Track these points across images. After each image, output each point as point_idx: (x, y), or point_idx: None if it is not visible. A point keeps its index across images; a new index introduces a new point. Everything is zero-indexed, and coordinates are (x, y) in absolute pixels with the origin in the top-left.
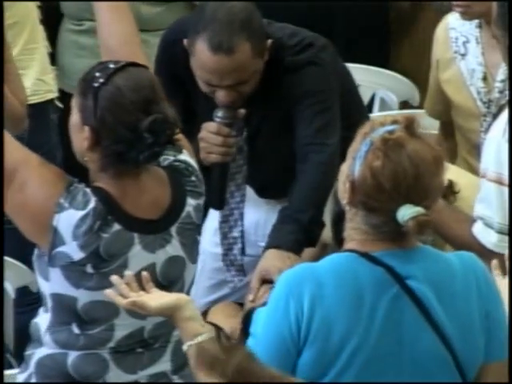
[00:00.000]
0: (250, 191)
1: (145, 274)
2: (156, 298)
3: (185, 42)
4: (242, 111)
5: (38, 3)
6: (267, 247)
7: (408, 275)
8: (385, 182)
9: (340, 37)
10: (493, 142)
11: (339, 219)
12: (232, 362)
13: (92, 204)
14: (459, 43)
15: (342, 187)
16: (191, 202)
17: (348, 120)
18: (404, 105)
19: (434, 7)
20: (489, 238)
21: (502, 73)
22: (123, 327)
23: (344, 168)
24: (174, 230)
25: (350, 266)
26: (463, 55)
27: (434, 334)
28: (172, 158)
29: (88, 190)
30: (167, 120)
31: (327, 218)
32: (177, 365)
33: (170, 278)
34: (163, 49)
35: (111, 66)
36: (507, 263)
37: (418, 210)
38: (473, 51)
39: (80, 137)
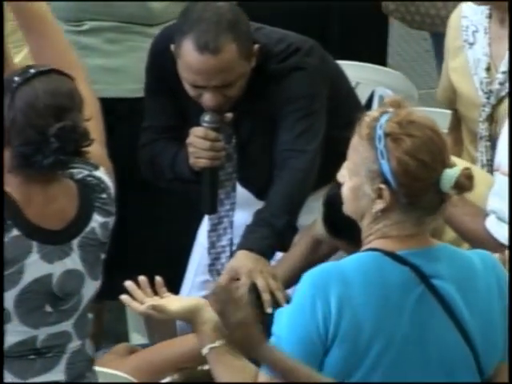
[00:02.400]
0: (241, 196)
1: (158, 278)
2: (174, 302)
3: (172, 47)
4: (229, 115)
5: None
6: (239, 248)
7: (433, 274)
8: (424, 157)
9: (337, 34)
10: (507, 136)
11: (332, 202)
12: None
13: None
14: (469, 32)
15: (373, 195)
16: (98, 219)
17: (343, 119)
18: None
19: None
20: (502, 232)
21: (504, 64)
22: (15, 334)
23: (356, 183)
24: (75, 243)
25: (376, 266)
26: (471, 44)
27: (458, 332)
28: (86, 173)
29: None
30: (76, 130)
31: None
32: (71, 376)
33: (66, 291)
34: (152, 57)
35: (32, 70)
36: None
37: (457, 167)
38: (480, 41)
39: None
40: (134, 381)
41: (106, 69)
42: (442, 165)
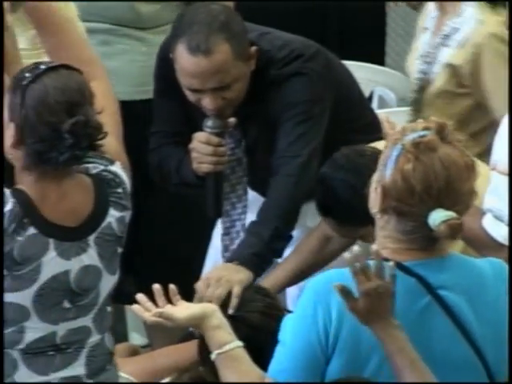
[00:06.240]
0: (253, 199)
1: (172, 286)
2: (182, 309)
3: (170, 55)
4: (232, 120)
5: None
6: (228, 260)
7: (440, 285)
8: (416, 185)
9: (336, 34)
10: (504, 135)
11: (323, 180)
12: None
13: (9, 206)
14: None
15: (374, 195)
16: (114, 214)
17: (355, 123)
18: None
19: None
20: (499, 230)
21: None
22: (34, 330)
23: (375, 177)
24: (91, 239)
25: None
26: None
27: (466, 343)
28: (102, 168)
29: (7, 191)
30: (89, 124)
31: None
32: (92, 370)
33: (84, 287)
34: (158, 64)
35: (42, 66)
36: None
37: (450, 213)
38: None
39: (7, 134)
40: (135, 381)
41: None
42: (435, 202)
